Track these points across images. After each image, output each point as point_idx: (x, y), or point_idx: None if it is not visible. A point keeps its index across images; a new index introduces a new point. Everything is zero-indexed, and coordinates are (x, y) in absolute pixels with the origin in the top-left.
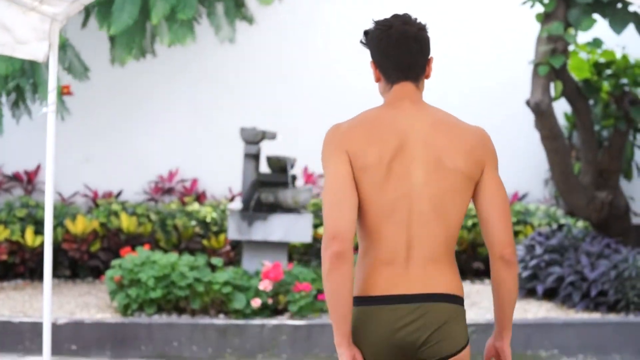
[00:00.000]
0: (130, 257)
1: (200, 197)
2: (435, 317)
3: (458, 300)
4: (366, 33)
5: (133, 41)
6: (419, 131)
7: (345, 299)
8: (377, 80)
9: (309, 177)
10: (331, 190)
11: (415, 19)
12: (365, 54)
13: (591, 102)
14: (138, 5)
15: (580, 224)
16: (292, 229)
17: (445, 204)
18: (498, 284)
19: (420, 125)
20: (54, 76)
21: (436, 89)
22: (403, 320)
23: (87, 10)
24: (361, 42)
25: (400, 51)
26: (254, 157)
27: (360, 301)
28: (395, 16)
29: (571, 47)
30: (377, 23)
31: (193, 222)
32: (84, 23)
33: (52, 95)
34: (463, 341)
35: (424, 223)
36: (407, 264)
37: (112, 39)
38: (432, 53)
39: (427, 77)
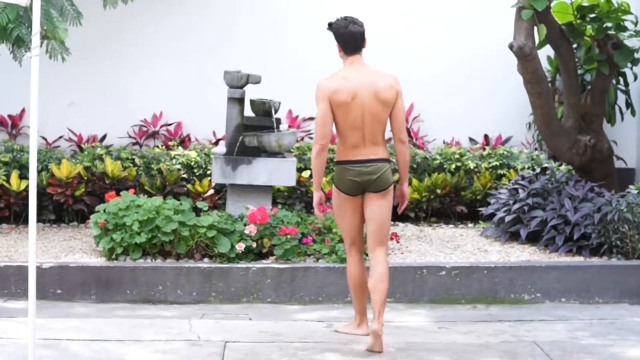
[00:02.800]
0: (115, 201)
1: (184, 141)
2: (377, 168)
3: (387, 160)
4: (330, 24)
5: None
6: (365, 81)
7: (322, 169)
8: (340, 51)
9: (293, 121)
10: (320, 118)
11: (358, 19)
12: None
13: (574, 45)
14: None
15: (564, 167)
16: (277, 172)
17: (378, 116)
18: (397, 155)
19: (365, 78)
20: (37, 20)
21: (419, 28)
22: (364, 170)
23: None
24: (327, 29)
25: (351, 40)
26: (238, 101)
27: (343, 163)
28: (346, 18)
29: None
30: (338, 23)
31: (177, 166)
32: None
33: (35, 39)
34: (389, 182)
35: (369, 127)
36: (363, 146)
37: None
38: None
39: (364, 47)
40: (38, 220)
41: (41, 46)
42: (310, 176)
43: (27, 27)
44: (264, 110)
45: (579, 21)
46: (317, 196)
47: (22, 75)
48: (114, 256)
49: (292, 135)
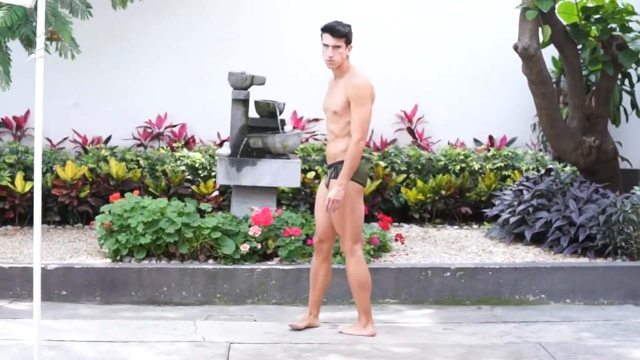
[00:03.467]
0: (120, 203)
1: (188, 143)
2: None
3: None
4: (344, 29)
5: None
6: None
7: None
8: (348, 51)
9: (297, 122)
10: (369, 116)
11: None
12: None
13: (579, 46)
14: None
15: (568, 168)
16: (281, 174)
17: None
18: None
19: None
20: (41, 22)
21: (420, 28)
22: (369, 165)
23: None
24: (344, 32)
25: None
26: (243, 102)
27: (362, 158)
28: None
29: None
30: (347, 25)
31: (182, 168)
32: None
33: (40, 41)
34: None
35: None
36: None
37: None
38: None
39: None
40: (43, 222)
41: (51, 45)
42: (315, 177)
43: (35, 26)
44: (269, 111)
45: (583, 22)
46: (344, 190)
47: (26, 76)
48: (118, 257)
49: (296, 136)
